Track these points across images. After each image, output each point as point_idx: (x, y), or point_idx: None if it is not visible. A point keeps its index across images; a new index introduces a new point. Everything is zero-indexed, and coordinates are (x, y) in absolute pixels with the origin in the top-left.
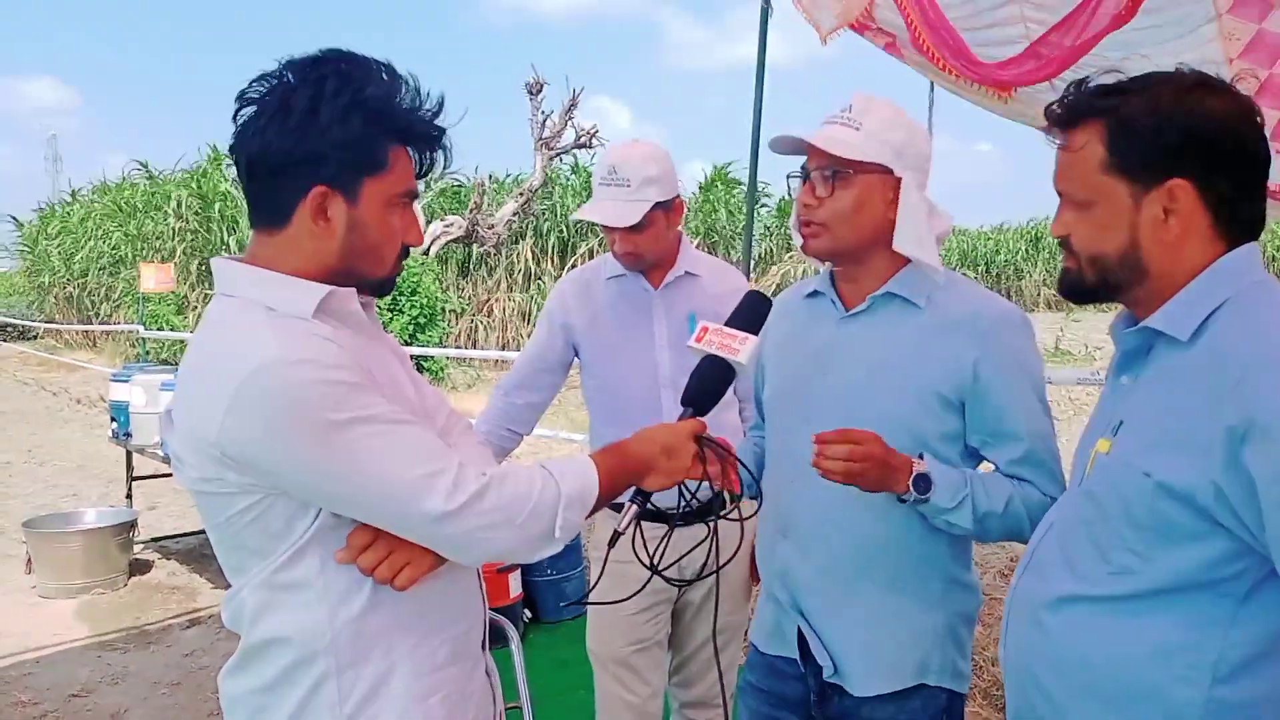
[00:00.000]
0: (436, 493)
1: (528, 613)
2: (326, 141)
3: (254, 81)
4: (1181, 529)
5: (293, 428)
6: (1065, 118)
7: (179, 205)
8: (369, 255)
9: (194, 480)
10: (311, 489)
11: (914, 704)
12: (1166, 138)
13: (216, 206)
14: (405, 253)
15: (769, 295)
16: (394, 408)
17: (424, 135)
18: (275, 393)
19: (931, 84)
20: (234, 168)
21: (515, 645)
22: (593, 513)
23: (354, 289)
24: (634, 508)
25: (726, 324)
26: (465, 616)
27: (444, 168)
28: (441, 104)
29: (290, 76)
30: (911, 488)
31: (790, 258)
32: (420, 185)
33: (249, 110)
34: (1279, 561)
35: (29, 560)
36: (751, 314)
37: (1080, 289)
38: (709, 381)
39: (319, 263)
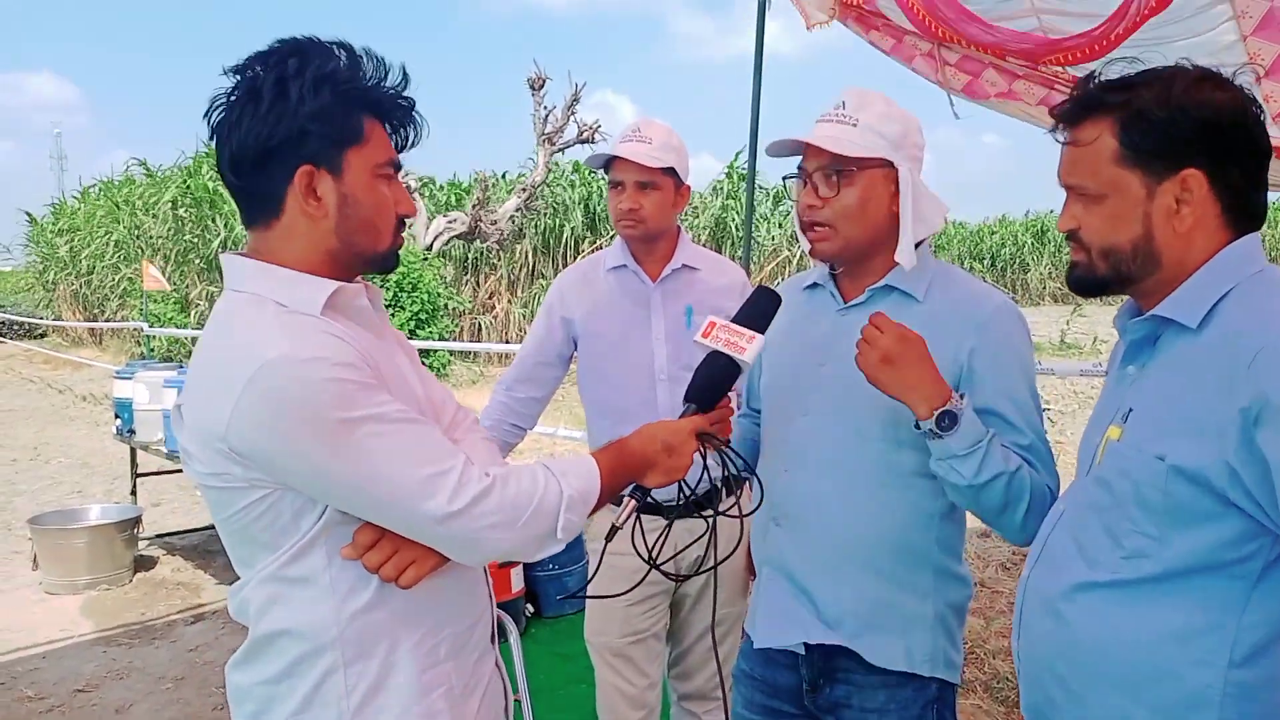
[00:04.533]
0: (441, 493)
1: (530, 607)
2: (301, 118)
3: (217, 88)
4: (1195, 511)
5: (300, 425)
6: (1074, 112)
7: (174, 203)
8: (365, 229)
9: (202, 475)
10: (317, 486)
11: (905, 694)
12: (1180, 128)
13: (210, 204)
14: (401, 224)
15: (777, 291)
16: (401, 406)
17: (393, 105)
18: (284, 389)
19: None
20: (218, 174)
21: (514, 639)
22: (594, 511)
23: (361, 285)
24: (633, 502)
25: (734, 320)
26: (470, 612)
27: (417, 139)
28: (406, 75)
29: (251, 70)
30: (934, 420)
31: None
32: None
33: (220, 110)
34: None
35: (34, 556)
36: (759, 311)
37: (1090, 282)
38: (713, 379)
39: (320, 247)
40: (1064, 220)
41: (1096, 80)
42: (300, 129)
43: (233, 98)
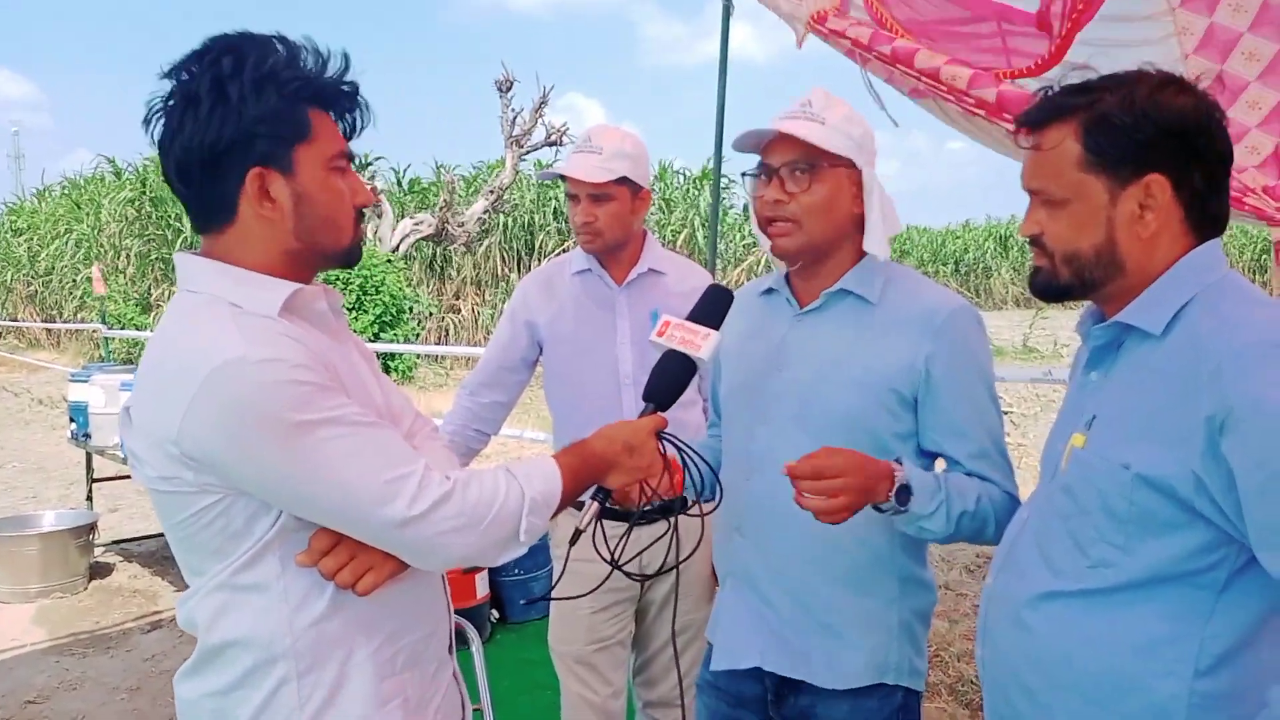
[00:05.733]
0: (400, 498)
1: (494, 613)
2: (244, 120)
3: (153, 95)
4: (1160, 520)
5: (255, 428)
6: (1038, 117)
7: (133, 202)
8: (324, 226)
9: (152, 479)
10: (272, 491)
11: (870, 703)
12: (1143, 133)
13: (174, 203)
14: (360, 215)
15: (731, 289)
16: (359, 409)
17: (338, 94)
18: (238, 392)
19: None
20: (165, 182)
21: (476, 647)
22: (556, 514)
23: (320, 289)
24: (595, 505)
25: (688, 318)
26: (427, 621)
27: (364, 124)
28: (347, 60)
29: (185, 72)
30: (894, 499)
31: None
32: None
33: (159, 117)
34: (1257, 548)
35: None
36: (713, 308)
37: (1053, 287)
38: (670, 377)
39: (278, 248)
40: (1027, 225)
41: (1056, 86)
42: (246, 131)
43: (170, 103)
